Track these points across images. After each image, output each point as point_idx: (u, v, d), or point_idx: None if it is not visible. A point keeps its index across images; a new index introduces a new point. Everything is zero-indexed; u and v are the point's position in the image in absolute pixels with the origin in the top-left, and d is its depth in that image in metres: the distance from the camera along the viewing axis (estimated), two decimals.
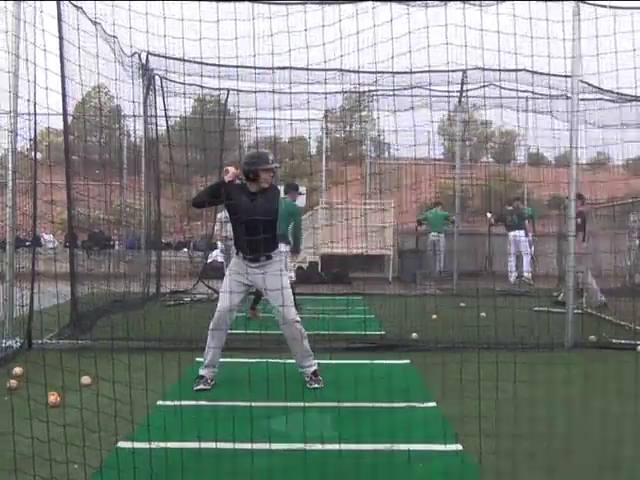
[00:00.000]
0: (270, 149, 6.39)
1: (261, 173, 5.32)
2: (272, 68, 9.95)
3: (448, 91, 13.00)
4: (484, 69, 10.35)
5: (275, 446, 3.83)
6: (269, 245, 5.36)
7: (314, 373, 5.48)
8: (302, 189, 17.24)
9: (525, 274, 14.23)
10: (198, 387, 5.38)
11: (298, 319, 5.40)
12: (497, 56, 6.76)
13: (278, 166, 6.17)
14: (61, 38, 7.36)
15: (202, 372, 5.51)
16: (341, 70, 10.50)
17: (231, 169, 5.44)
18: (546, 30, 6.61)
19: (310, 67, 6.82)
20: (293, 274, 10.71)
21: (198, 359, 5.76)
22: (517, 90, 12.35)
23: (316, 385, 5.39)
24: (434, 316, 9.10)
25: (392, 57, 6.48)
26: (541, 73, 10.70)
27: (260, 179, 5.32)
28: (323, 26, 6.09)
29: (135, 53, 10.44)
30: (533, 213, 15.17)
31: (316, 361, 5.52)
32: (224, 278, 5.59)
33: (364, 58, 6.85)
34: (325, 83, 10.43)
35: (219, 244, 12.99)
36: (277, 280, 5.34)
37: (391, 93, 11.49)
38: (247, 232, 5.27)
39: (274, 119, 6.89)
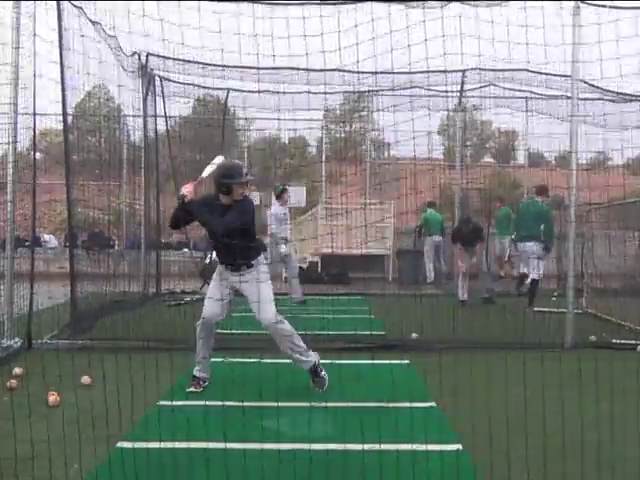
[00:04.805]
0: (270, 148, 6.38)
1: (235, 187, 5.25)
2: (275, 68, 9.94)
3: (461, 90, 12.95)
4: (494, 70, 10.50)
5: (279, 446, 3.83)
6: (248, 254, 5.35)
7: (314, 370, 5.39)
8: (300, 188, 17.27)
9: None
10: (190, 389, 5.38)
11: (279, 319, 5.33)
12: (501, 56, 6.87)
13: (252, 178, 6.07)
14: (61, 37, 7.35)
15: (196, 373, 5.52)
16: (375, 72, 10.52)
17: (186, 189, 5.24)
18: (564, 31, 6.74)
19: (324, 69, 6.84)
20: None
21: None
22: (529, 91, 12.41)
23: (320, 389, 5.30)
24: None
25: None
26: (544, 73, 10.73)
27: (234, 193, 5.26)
28: (338, 31, 6.15)
29: (135, 53, 10.42)
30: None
31: (314, 354, 5.46)
32: (212, 283, 5.52)
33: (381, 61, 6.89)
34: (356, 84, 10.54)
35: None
36: (255, 290, 5.29)
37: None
38: (224, 245, 5.25)
39: (260, 117, 6.90)
